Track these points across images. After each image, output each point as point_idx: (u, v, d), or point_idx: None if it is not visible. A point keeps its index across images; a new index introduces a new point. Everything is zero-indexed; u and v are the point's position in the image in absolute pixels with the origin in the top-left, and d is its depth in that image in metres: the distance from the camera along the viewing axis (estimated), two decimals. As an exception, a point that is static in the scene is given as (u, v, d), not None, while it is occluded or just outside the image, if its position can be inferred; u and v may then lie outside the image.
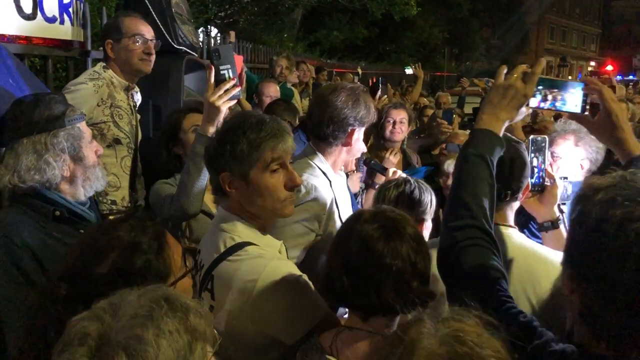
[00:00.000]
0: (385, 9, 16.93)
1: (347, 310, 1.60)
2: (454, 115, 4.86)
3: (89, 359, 0.87)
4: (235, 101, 2.25)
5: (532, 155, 1.91)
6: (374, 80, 5.39)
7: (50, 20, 3.03)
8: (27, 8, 2.87)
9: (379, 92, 5.64)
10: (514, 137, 1.86)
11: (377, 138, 4.12)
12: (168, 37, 3.51)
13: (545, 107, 1.64)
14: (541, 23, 49.40)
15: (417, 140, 5.22)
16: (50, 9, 3.01)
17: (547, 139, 1.97)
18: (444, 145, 4.27)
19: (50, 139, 1.84)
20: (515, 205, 1.85)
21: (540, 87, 1.60)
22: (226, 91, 2.18)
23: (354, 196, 2.86)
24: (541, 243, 1.95)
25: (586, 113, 1.64)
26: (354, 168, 3.19)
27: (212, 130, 2.17)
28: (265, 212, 1.71)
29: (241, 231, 1.69)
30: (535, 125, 4.95)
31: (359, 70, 12.68)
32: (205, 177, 2.26)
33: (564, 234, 2.02)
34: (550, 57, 49.08)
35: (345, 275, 1.41)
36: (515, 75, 1.56)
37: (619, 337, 1.04)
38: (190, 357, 0.92)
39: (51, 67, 3.24)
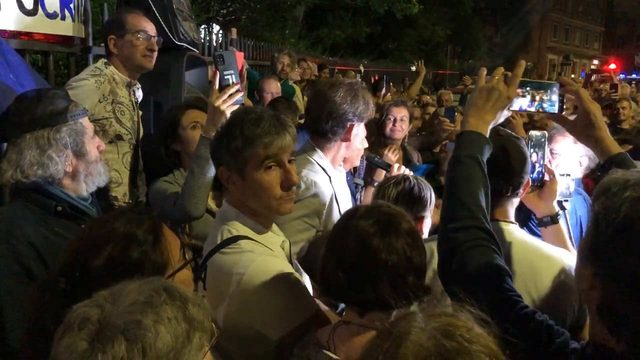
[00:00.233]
0: (388, 6, 16.91)
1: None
2: (456, 113, 4.85)
3: (89, 343, 0.88)
4: (238, 105, 2.29)
5: (532, 150, 1.92)
6: (376, 78, 5.40)
7: (52, 16, 3.03)
8: (28, 4, 2.87)
9: (383, 90, 5.64)
10: (514, 133, 1.87)
11: (377, 135, 4.12)
12: (169, 33, 3.50)
13: (532, 109, 1.67)
14: (544, 21, 49.28)
15: (418, 138, 5.22)
16: (51, 4, 3.01)
17: (546, 134, 1.97)
18: (444, 143, 4.27)
19: (53, 134, 1.84)
20: (516, 201, 1.85)
21: (528, 88, 1.63)
22: (230, 96, 2.27)
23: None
24: (540, 239, 1.94)
25: (564, 113, 1.67)
26: (357, 164, 3.17)
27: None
28: (263, 208, 1.71)
29: (239, 225, 1.70)
30: (537, 123, 4.95)
31: (361, 68, 12.69)
32: (209, 180, 2.28)
33: (564, 229, 2.03)
34: (553, 55, 49.01)
35: (341, 271, 1.41)
36: (496, 78, 1.58)
37: None
38: (188, 345, 0.93)
39: (52, 63, 3.24)
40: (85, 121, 1.96)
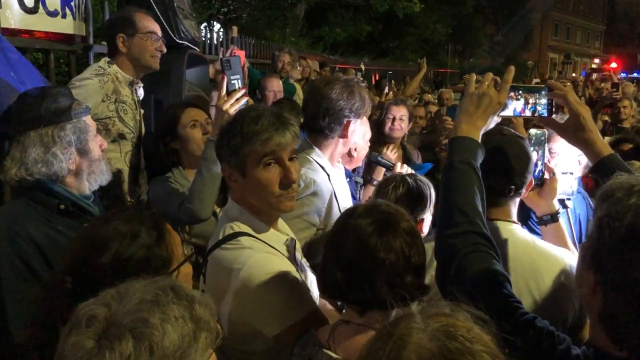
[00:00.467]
0: (389, 5, 16.90)
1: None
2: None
3: (96, 341, 0.88)
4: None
5: (532, 149, 1.92)
6: (377, 77, 5.41)
7: (52, 14, 3.04)
8: (29, 2, 2.87)
9: (386, 89, 5.65)
10: (517, 133, 1.87)
11: (376, 134, 4.12)
12: (170, 31, 3.50)
13: (527, 113, 1.67)
14: (545, 20, 49.20)
15: (419, 137, 5.23)
16: (52, 2, 3.01)
17: (546, 132, 1.97)
18: (444, 142, 4.27)
19: (57, 132, 1.85)
20: (518, 201, 1.86)
21: (520, 92, 1.63)
22: (237, 100, 2.38)
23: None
24: (540, 237, 1.95)
25: (553, 116, 1.67)
26: (360, 164, 3.16)
27: None
28: (263, 206, 1.71)
29: (242, 222, 1.71)
30: (535, 121, 4.95)
31: (362, 67, 12.68)
32: (217, 182, 2.31)
33: (564, 227, 2.03)
34: (554, 54, 48.96)
35: (339, 270, 1.41)
36: (486, 83, 1.58)
37: None
38: (195, 345, 0.93)
39: (53, 61, 3.24)
40: (88, 119, 1.96)
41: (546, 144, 1.99)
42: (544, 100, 1.66)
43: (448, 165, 1.51)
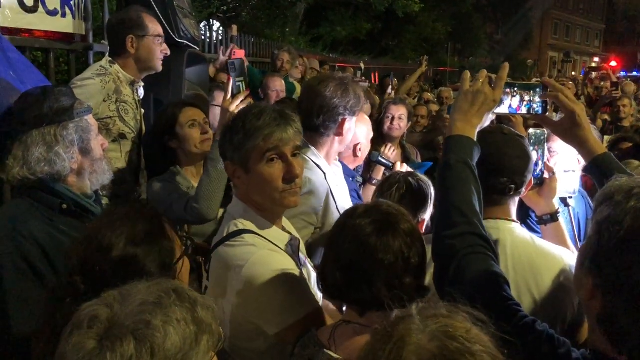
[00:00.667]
0: (389, 3, 16.90)
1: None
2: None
3: (98, 342, 0.88)
4: None
5: (532, 148, 1.92)
6: (377, 76, 5.43)
7: (52, 13, 3.04)
8: (29, 0, 2.87)
9: (390, 89, 5.65)
10: (517, 132, 1.87)
11: (375, 133, 4.13)
12: (170, 30, 3.50)
13: (523, 111, 1.67)
14: (545, 18, 49.15)
15: (419, 135, 5.25)
16: (52, 1, 3.01)
17: (545, 132, 1.97)
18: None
19: (60, 131, 1.85)
20: (517, 200, 1.86)
21: (515, 89, 1.63)
22: (242, 102, 2.47)
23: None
24: (540, 236, 1.95)
25: (547, 114, 1.68)
26: (361, 163, 3.16)
27: None
28: (267, 202, 1.72)
29: (246, 219, 1.71)
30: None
31: (362, 65, 12.66)
32: (224, 182, 2.33)
33: (564, 227, 2.03)
34: (553, 52, 48.95)
35: (338, 270, 1.41)
36: (480, 81, 1.57)
37: None
38: (196, 348, 0.93)
39: (53, 61, 3.24)
40: (90, 118, 1.97)
41: (546, 143, 1.99)
42: (539, 98, 1.66)
43: (444, 164, 1.50)
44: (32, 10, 2.90)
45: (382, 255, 1.36)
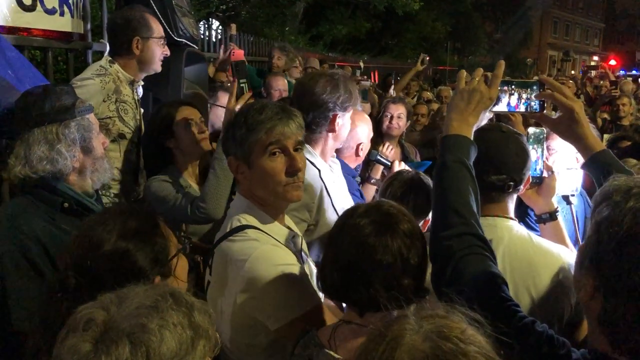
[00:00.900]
0: (388, 2, 16.89)
1: None
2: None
3: (93, 345, 0.88)
4: None
5: (531, 147, 1.92)
6: (376, 75, 5.45)
7: (50, 11, 3.02)
8: (27, -1, 2.86)
9: (392, 89, 5.64)
10: (515, 130, 1.86)
11: (374, 132, 4.13)
12: (168, 29, 3.49)
13: (521, 109, 1.66)
14: (544, 17, 49.16)
15: (419, 134, 5.25)
16: (50, 0, 3.00)
17: (545, 131, 1.97)
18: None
19: (61, 130, 1.85)
20: (515, 197, 1.86)
21: (513, 87, 1.63)
22: (246, 102, 2.44)
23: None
24: (538, 234, 1.95)
25: (546, 112, 1.67)
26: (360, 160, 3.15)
27: None
28: (270, 196, 1.72)
29: (248, 215, 1.72)
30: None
31: (361, 64, 12.64)
32: (230, 181, 2.34)
33: (563, 225, 2.03)
34: (553, 51, 48.95)
35: (336, 270, 1.40)
36: (477, 79, 1.57)
37: None
38: (192, 353, 0.92)
39: (51, 59, 3.23)
40: (91, 117, 1.98)
41: (545, 142, 1.99)
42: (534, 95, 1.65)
43: (441, 164, 1.50)
44: (30, 8, 2.89)
45: (381, 255, 1.35)
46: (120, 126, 2.77)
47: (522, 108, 1.67)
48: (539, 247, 1.73)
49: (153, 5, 3.42)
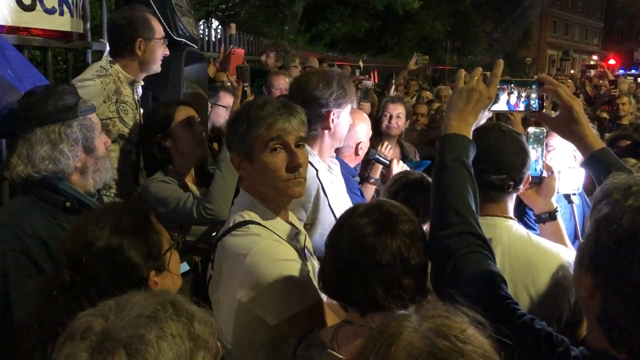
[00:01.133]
0: (388, 1, 16.87)
1: None
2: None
3: (89, 355, 0.87)
4: None
5: (531, 147, 1.92)
6: (376, 74, 5.45)
7: (50, 11, 3.03)
8: (27, -1, 2.86)
9: (392, 89, 5.64)
10: (515, 129, 1.87)
11: (373, 131, 4.13)
12: (168, 28, 3.49)
13: (521, 108, 1.66)
14: (544, 16, 49.12)
15: (419, 133, 5.25)
16: (50, 0, 3.00)
17: (544, 131, 1.97)
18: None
19: (64, 129, 1.86)
20: (514, 197, 1.86)
21: (512, 86, 1.63)
22: None
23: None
24: (537, 234, 1.95)
25: (545, 111, 1.68)
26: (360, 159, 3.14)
27: None
28: (271, 191, 1.73)
29: (251, 210, 1.73)
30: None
31: (361, 64, 12.63)
32: (236, 180, 2.34)
33: (562, 225, 2.03)
34: (552, 50, 48.94)
35: (335, 270, 1.40)
36: (475, 78, 1.57)
37: None
38: None
39: (51, 59, 3.23)
40: (94, 117, 1.99)
41: (544, 143, 1.99)
42: (535, 94, 1.66)
43: (439, 163, 1.50)
44: (30, 8, 2.89)
45: (380, 255, 1.35)
46: (121, 127, 2.77)
47: (521, 107, 1.67)
48: (538, 246, 1.74)
49: (153, 4, 3.41)
